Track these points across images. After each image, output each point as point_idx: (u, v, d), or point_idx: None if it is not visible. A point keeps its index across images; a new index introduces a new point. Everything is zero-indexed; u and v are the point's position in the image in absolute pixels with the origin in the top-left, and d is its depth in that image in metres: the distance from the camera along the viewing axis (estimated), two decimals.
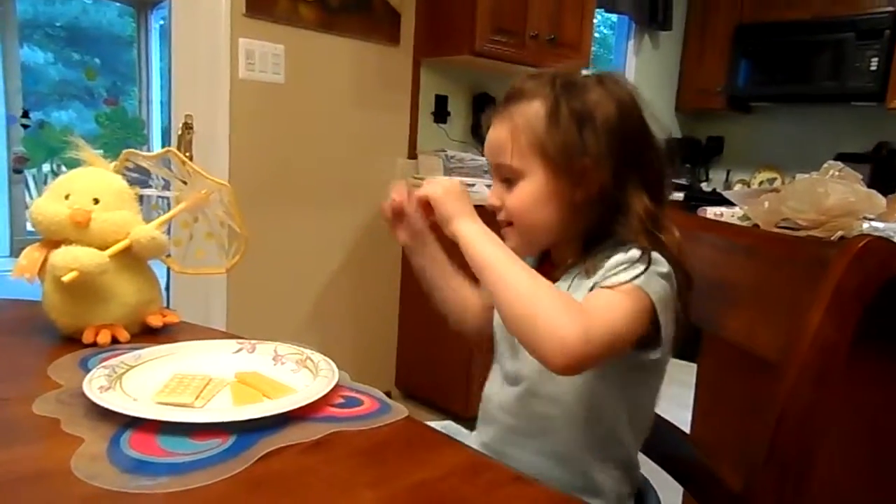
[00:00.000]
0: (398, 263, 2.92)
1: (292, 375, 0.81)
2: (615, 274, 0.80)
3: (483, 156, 3.12)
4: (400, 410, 0.73)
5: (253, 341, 0.88)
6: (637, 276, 0.78)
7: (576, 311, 0.74)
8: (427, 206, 0.89)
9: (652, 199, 0.86)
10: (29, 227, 5.52)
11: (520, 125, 0.85)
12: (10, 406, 0.70)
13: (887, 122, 3.74)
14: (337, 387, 0.75)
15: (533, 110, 0.85)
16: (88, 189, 0.92)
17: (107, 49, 7.05)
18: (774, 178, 4.24)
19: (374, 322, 2.91)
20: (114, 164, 0.97)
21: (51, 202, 0.91)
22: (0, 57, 5.26)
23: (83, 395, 0.68)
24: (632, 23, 4.03)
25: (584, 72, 0.90)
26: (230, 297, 2.44)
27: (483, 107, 3.17)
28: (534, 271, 0.79)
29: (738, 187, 4.22)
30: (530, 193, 0.86)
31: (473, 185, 2.75)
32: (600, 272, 0.82)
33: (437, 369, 2.79)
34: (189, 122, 2.30)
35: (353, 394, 0.77)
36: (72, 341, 0.90)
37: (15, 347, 0.90)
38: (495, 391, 0.97)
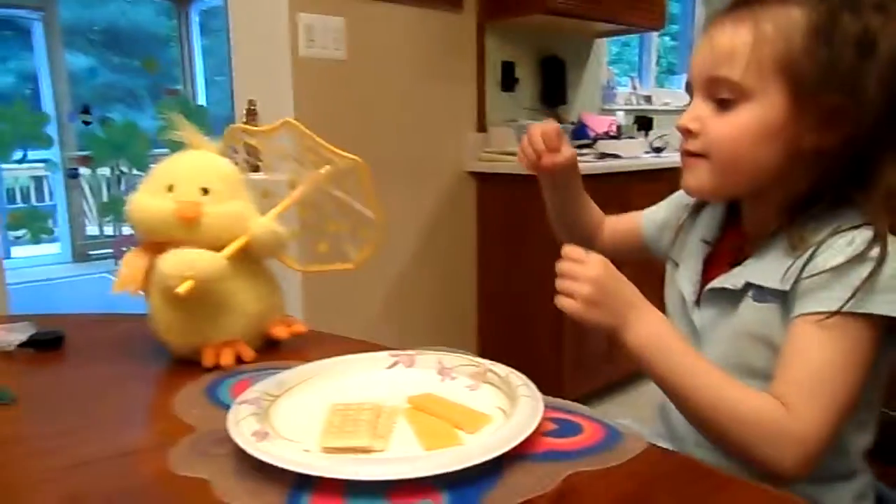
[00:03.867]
0: (473, 240, 2.75)
1: (471, 394, 0.64)
2: (829, 280, 0.62)
3: (559, 120, 2.94)
4: (635, 435, 0.56)
5: (410, 352, 0.71)
6: (855, 294, 0.61)
7: (783, 424, 0.60)
8: None
9: None
10: (89, 230, 5.53)
11: (768, 33, 0.64)
12: (143, 462, 0.54)
13: None
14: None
15: (790, 18, 0.64)
16: (195, 177, 0.75)
17: (146, 49, 6.99)
18: None
19: (451, 304, 2.74)
20: (218, 144, 0.80)
21: (152, 196, 0.75)
22: (47, 62, 5.24)
23: (227, 439, 0.52)
24: None
25: None
26: (305, 285, 2.30)
27: (552, 71, 2.97)
28: (718, 374, 0.63)
29: None
30: (754, 123, 0.66)
31: None
32: (813, 262, 0.64)
33: (524, 351, 2.61)
34: (253, 107, 2.15)
35: (562, 415, 0.59)
36: (188, 363, 0.74)
37: (127, 378, 0.75)
38: None
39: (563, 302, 0.65)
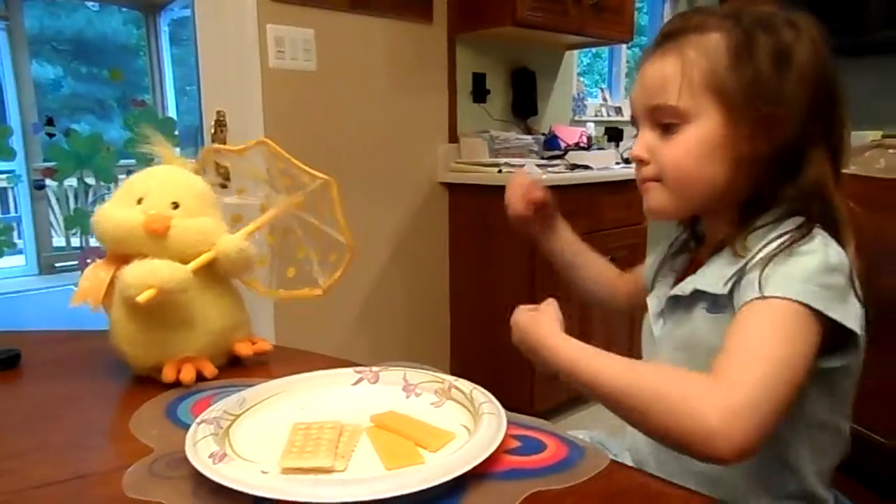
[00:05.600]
0: (446, 252, 2.74)
1: (435, 411, 0.63)
2: (758, 271, 0.64)
3: (528, 134, 2.96)
4: (597, 452, 0.56)
5: (374, 368, 0.70)
6: (794, 277, 0.63)
7: (705, 387, 0.58)
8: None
9: (832, 164, 0.71)
10: (56, 242, 5.42)
11: (693, 59, 0.69)
12: (96, 485, 0.53)
13: None
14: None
15: (711, 42, 0.69)
16: (166, 191, 0.75)
17: (114, 59, 6.90)
18: None
19: (425, 316, 2.73)
20: (193, 163, 0.80)
21: (121, 207, 0.74)
22: (12, 72, 5.14)
23: (184, 461, 0.52)
24: None
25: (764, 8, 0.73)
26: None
27: (523, 82, 2.99)
28: (628, 363, 0.63)
29: None
30: (696, 141, 0.70)
31: (522, 164, 2.56)
32: (756, 258, 0.66)
33: (496, 363, 2.60)
34: (222, 118, 2.13)
35: (526, 432, 0.59)
36: (148, 381, 0.73)
37: (82, 396, 0.73)
38: None
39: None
